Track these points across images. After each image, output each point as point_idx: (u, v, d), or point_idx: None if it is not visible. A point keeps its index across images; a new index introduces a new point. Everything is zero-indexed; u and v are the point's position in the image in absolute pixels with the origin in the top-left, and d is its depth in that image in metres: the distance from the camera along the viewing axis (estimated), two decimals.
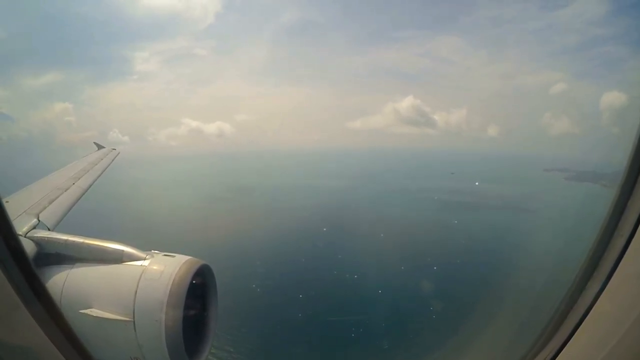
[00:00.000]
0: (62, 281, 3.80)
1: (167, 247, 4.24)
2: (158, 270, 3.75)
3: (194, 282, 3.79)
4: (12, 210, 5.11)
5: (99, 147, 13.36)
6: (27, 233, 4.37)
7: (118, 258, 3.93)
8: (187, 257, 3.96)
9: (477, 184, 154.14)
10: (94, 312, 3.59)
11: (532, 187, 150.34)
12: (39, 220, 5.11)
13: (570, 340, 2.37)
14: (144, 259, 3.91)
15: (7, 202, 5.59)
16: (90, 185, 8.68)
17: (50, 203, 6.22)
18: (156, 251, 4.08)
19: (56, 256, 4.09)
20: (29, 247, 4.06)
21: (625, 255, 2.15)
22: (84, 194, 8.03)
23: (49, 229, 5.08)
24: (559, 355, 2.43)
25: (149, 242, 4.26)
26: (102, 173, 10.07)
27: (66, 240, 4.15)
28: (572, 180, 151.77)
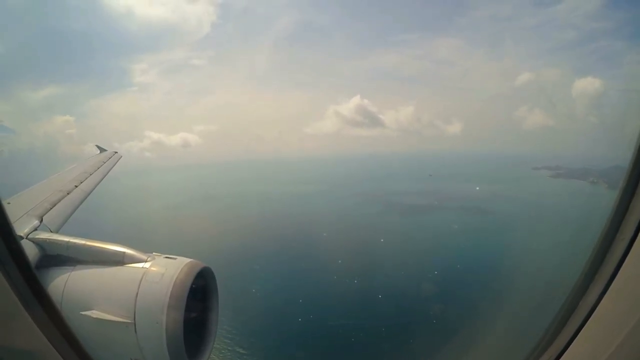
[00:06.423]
0: (63, 283, 3.80)
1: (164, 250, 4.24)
2: (159, 273, 3.75)
3: (195, 284, 3.78)
4: (14, 212, 5.11)
5: (101, 150, 13.33)
6: (28, 235, 4.37)
7: (119, 260, 3.93)
8: (188, 260, 3.95)
9: (477, 188, 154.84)
10: (95, 313, 3.58)
11: (516, 186, 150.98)
12: (40, 222, 5.11)
13: (574, 342, 2.36)
14: (145, 261, 3.91)
15: (8, 203, 5.58)
16: (92, 189, 8.66)
17: (52, 205, 6.20)
18: (157, 253, 4.07)
19: (57, 258, 4.08)
20: (30, 249, 4.05)
21: (627, 257, 2.13)
22: (86, 197, 8.02)
23: (51, 231, 5.07)
24: (562, 357, 2.42)
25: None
26: (104, 177, 10.05)
27: (67, 242, 4.14)
28: (560, 178, 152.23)
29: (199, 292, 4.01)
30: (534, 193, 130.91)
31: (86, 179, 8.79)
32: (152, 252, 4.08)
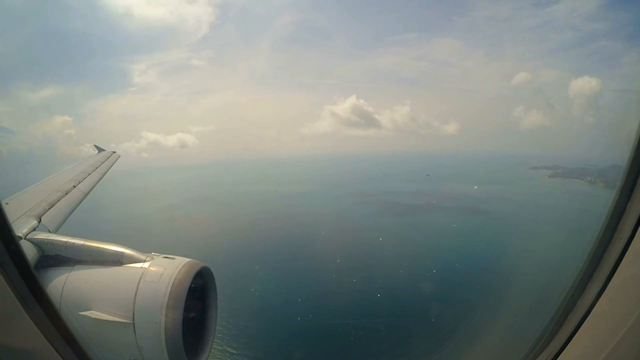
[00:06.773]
0: (62, 283, 3.78)
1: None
2: (158, 272, 3.74)
3: (194, 284, 3.78)
4: (12, 212, 5.09)
5: (100, 150, 13.30)
6: (27, 235, 4.35)
7: (118, 260, 3.92)
8: (187, 259, 3.94)
9: (475, 187, 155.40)
10: (94, 314, 3.57)
11: (515, 185, 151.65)
12: (39, 222, 5.09)
13: (571, 342, 2.36)
14: (144, 261, 3.90)
15: (7, 204, 5.56)
16: (91, 189, 8.61)
17: (50, 206, 6.17)
18: (156, 253, 4.06)
19: (56, 258, 4.07)
20: (28, 249, 4.04)
21: (625, 257, 2.14)
22: (85, 197, 7.99)
23: (49, 232, 5.05)
24: (559, 357, 2.42)
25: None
26: (102, 176, 10.01)
27: (66, 243, 4.12)
28: (558, 177, 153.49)
29: (198, 292, 4.01)
30: (532, 193, 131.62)
31: (84, 179, 8.74)
32: (150, 252, 4.07)
